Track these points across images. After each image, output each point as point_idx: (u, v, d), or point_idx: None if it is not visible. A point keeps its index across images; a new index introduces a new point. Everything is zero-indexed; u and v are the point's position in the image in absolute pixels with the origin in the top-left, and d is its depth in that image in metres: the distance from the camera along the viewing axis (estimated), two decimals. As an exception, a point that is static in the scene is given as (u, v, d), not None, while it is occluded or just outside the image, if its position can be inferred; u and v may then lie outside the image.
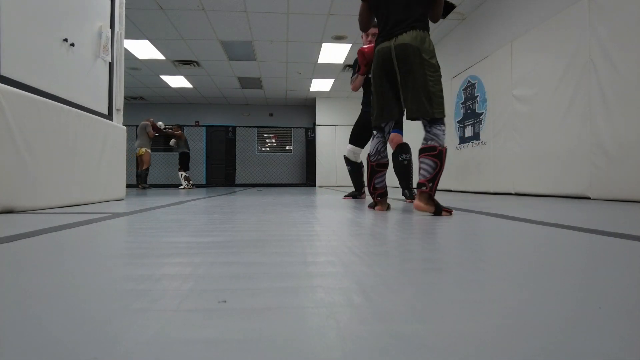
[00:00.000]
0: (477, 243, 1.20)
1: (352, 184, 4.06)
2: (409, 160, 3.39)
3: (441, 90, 2.03)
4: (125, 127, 3.61)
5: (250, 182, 12.11)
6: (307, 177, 12.15)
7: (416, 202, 1.96)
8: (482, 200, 3.59)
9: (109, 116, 3.37)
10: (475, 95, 5.61)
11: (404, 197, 3.52)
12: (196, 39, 6.82)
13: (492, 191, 5.09)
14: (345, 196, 3.90)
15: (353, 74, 3.56)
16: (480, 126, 5.45)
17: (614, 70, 3.24)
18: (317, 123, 11.47)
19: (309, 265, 0.85)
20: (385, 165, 2.31)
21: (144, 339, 0.45)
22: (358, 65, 3.32)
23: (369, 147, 2.60)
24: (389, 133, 2.31)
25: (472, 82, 5.69)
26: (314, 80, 9.48)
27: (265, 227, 1.51)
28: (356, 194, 3.86)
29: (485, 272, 0.77)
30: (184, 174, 8.36)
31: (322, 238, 1.24)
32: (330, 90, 10.48)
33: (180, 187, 8.52)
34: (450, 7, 5.57)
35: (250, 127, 12.23)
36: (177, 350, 0.42)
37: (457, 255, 0.95)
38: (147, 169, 7.75)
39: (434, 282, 0.70)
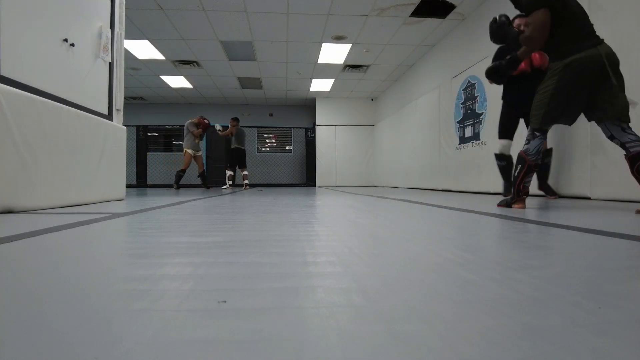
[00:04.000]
0: (477, 243, 1.20)
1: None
2: (550, 162, 3.72)
3: None
4: (125, 127, 3.61)
5: (251, 182, 12.10)
6: (307, 177, 12.15)
7: None
8: (480, 200, 3.59)
9: (109, 116, 3.37)
10: (475, 95, 5.61)
11: (548, 195, 3.71)
12: (196, 39, 6.81)
13: (492, 191, 5.09)
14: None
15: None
16: (480, 126, 5.45)
17: (614, 70, 3.23)
18: (317, 123, 11.47)
19: (309, 265, 0.85)
20: (538, 167, 2.40)
21: (145, 339, 0.45)
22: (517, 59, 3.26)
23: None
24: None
25: (472, 82, 5.69)
26: (313, 80, 9.47)
27: (265, 227, 1.51)
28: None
29: (485, 272, 0.77)
30: (230, 172, 8.05)
31: (322, 238, 1.24)
32: (330, 90, 10.47)
33: (223, 187, 8.22)
34: (450, 7, 5.57)
35: (250, 127, 12.23)
36: (177, 350, 0.42)
37: (458, 255, 0.95)
38: (183, 171, 7.45)
39: (434, 282, 0.70)
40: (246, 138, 8.49)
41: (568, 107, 2.29)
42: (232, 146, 8.02)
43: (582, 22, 2.28)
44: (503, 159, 3.69)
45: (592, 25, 2.30)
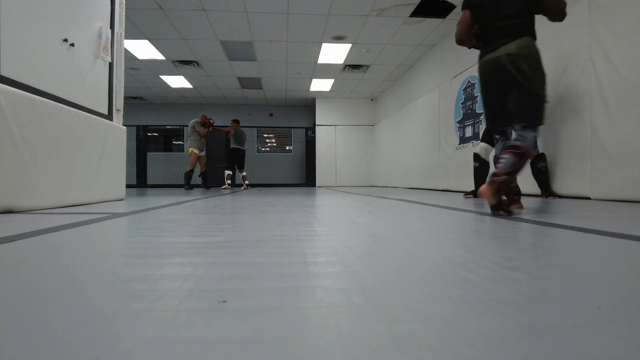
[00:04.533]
0: (477, 243, 1.20)
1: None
2: (546, 167, 3.86)
3: (542, 98, 2.06)
4: (125, 127, 3.61)
5: (251, 182, 12.10)
6: (307, 177, 12.15)
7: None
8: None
9: (109, 116, 3.37)
10: (475, 95, 5.61)
11: (545, 195, 3.87)
12: (196, 39, 6.81)
13: (492, 191, 5.09)
14: (466, 194, 4.16)
15: None
16: (480, 126, 5.45)
17: (614, 70, 3.23)
18: (317, 123, 11.47)
19: (309, 265, 0.85)
20: None
21: (145, 339, 0.45)
22: None
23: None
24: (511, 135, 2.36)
25: (472, 82, 5.69)
26: (313, 80, 9.47)
27: (266, 227, 1.51)
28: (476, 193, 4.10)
29: (485, 273, 0.77)
30: (228, 172, 8.00)
31: (322, 238, 1.24)
32: (330, 90, 10.46)
33: (223, 187, 8.18)
34: (450, 7, 5.57)
35: (250, 127, 12.22)
36: (177, 350, 0.42)
37: (458, 255, 0.95)
38: (191, 171, 7.41)
39: (434, 282, 0.70)
40: (246, 138, 8.48)
41: (493, 111, 2.23)
42: (231, 146, 8.05)
43: (498, 24, 2.12)
44: (477, 160, 4.03)
45: (516, 23, 2.09)
